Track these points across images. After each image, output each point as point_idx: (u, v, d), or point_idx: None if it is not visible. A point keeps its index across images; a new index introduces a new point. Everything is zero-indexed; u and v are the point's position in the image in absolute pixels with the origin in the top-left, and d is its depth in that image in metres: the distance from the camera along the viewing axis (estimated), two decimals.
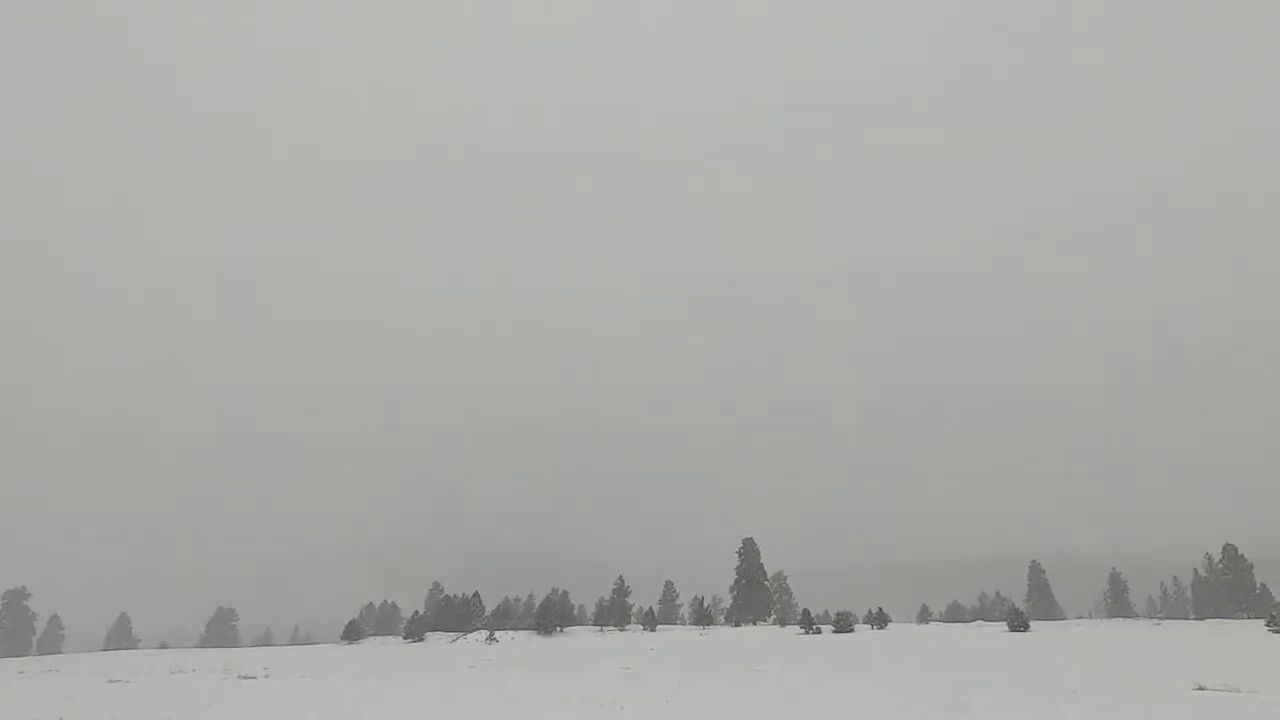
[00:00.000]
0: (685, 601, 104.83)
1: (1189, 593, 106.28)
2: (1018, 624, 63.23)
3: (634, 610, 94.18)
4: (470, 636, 72.82)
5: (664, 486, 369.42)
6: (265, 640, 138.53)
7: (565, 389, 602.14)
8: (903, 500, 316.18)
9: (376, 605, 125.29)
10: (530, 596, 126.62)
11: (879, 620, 72.68)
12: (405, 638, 77.58)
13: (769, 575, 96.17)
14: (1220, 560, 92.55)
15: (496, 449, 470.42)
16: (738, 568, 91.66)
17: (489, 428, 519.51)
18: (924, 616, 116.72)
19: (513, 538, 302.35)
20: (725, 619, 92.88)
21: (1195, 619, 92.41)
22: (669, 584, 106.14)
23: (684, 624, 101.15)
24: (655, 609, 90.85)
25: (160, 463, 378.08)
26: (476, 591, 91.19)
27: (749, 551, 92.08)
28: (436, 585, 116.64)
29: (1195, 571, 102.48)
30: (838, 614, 70.98)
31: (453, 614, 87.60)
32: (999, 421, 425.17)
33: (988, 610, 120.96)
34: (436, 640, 73.39)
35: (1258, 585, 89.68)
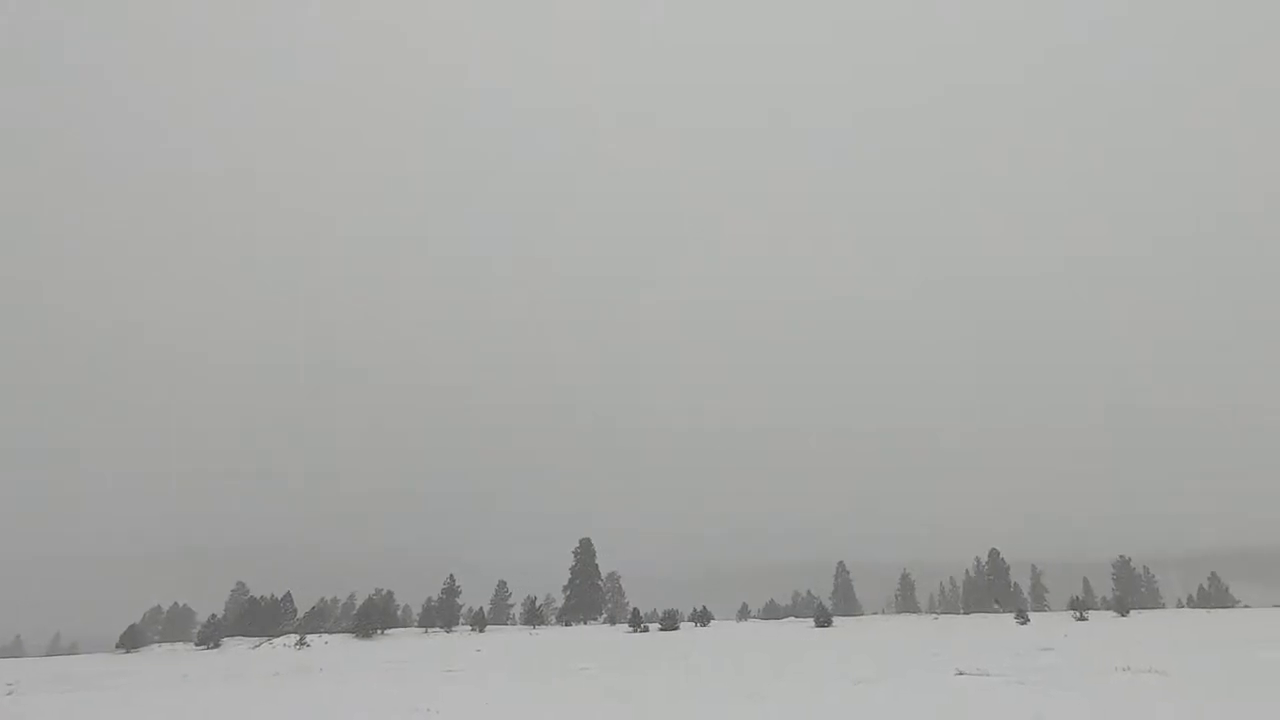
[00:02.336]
0: (518, 601, 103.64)
1: (961, 590, 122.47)
2: (823, 620, 69.20)
3: (463, 611, 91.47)
4: (277, 641, 66.70)
5: (504, 485, 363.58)
6: (15, 650, 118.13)
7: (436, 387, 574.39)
8: (729, 505, 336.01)
9: (165, 608, 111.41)
10: (351, 597, 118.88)
11: (702, 618, 76.29)
12: (199, 644, 69.46)
13: (603, 575, 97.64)
14: (986, 563, 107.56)
15: (325, 444, 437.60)
16: (573, 568, 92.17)
17: (323, 420, 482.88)
18: (743, 614, 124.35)
19: (335, 537, 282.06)
20: (557, 618, 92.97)
21: (964, 613, 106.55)
22: (502, 583, 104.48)
23: (515, 624, 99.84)
24: (485, 609, 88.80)
25: None
26: (288, 592, 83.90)
27: (585, 551, 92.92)
28: (240, 586, 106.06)
29: (966, 572, 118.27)
30: (665, 613, 73.51)
31: (259, 617, 79.89)
32: (826, 437, 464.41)
33: (799, 607, 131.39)
34: (236, 646, 66.48)
35: (1012, 584, 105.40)
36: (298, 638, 64.61)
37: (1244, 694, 18.34)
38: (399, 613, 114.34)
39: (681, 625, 74.46)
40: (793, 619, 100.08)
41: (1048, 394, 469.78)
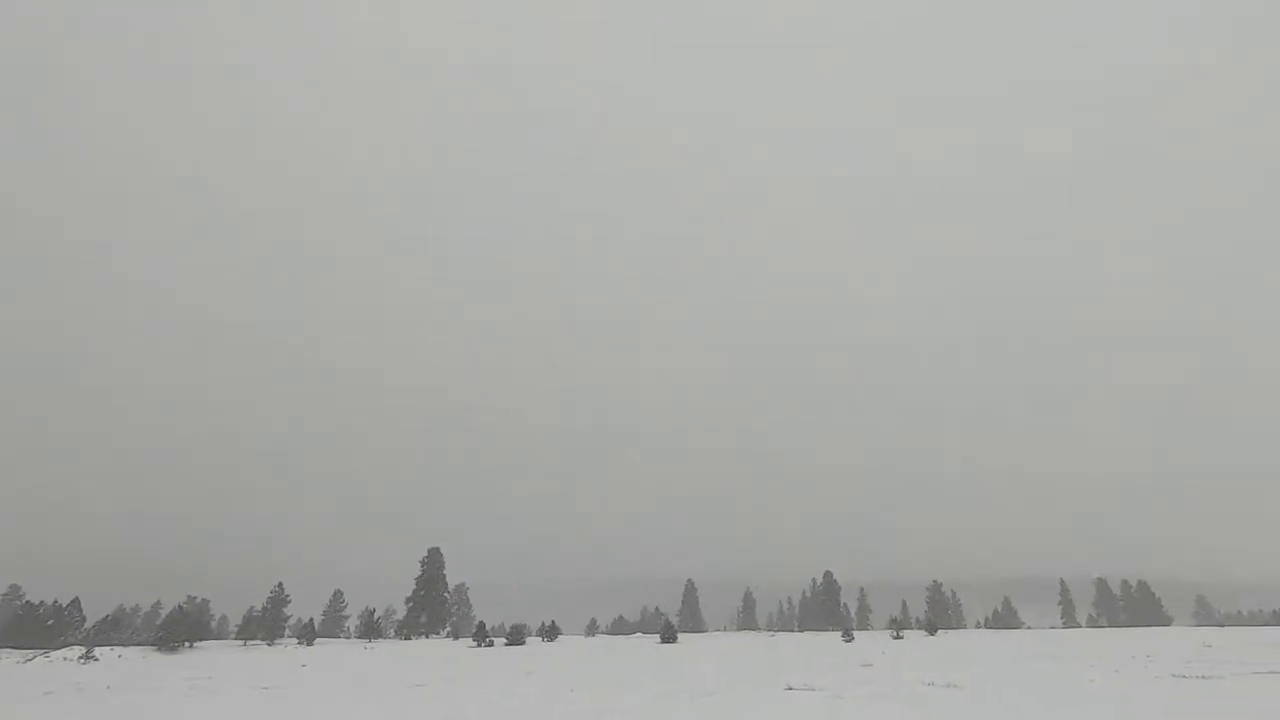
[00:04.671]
0: (355, 613, 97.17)
1: (797, 610, 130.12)
2: (668, 636, 70.57)
3: (291, 622, 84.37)
4: (56, 655, 57.80)
5: (351, 490, 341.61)
6: None
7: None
8: (583, 521, 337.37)
9: None
10: (156, 605, 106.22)
11: (550, 633, 75.31)
12: None
13: (451, 587, 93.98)
14: (821, 584, 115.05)
15: (140, 434, 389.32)
16: (419, 578, 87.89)
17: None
18: (592, 629, 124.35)
19: (139, 539, 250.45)
20: (396, 631, 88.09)
21: (799, 631, 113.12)
22: (338, 593, 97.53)
23: (349, 637, 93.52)
24: (317, 620, 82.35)
25: None
26: (76, 598, 73.29)
27: (433, 561, 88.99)
28: (13, 589, 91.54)
29: (804, 593, 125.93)
30: (512, 627, 71.83)
31: (35, 626, 69.02)
32: (663, 456, 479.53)
33: (647, 623, 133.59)
34: (2, 660, 56.81)
35: (842, 604, 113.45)
36: (83, 650, 56.38)
37: (1019, 701, 20.81)
38: (214, 624, 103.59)
39: (528, 640, 73.09)
40: (640, 634, 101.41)
41: (880, 433, 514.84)
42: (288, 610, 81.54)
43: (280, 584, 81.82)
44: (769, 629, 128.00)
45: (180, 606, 76.63)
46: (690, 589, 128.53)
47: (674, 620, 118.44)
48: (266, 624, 77.10)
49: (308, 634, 71.35)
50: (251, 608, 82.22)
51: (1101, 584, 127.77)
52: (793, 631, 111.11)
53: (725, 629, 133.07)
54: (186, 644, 64.50)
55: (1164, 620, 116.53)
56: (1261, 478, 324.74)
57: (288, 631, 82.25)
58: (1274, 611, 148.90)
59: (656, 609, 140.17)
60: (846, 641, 65.30)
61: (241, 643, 73.62)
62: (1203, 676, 26.71)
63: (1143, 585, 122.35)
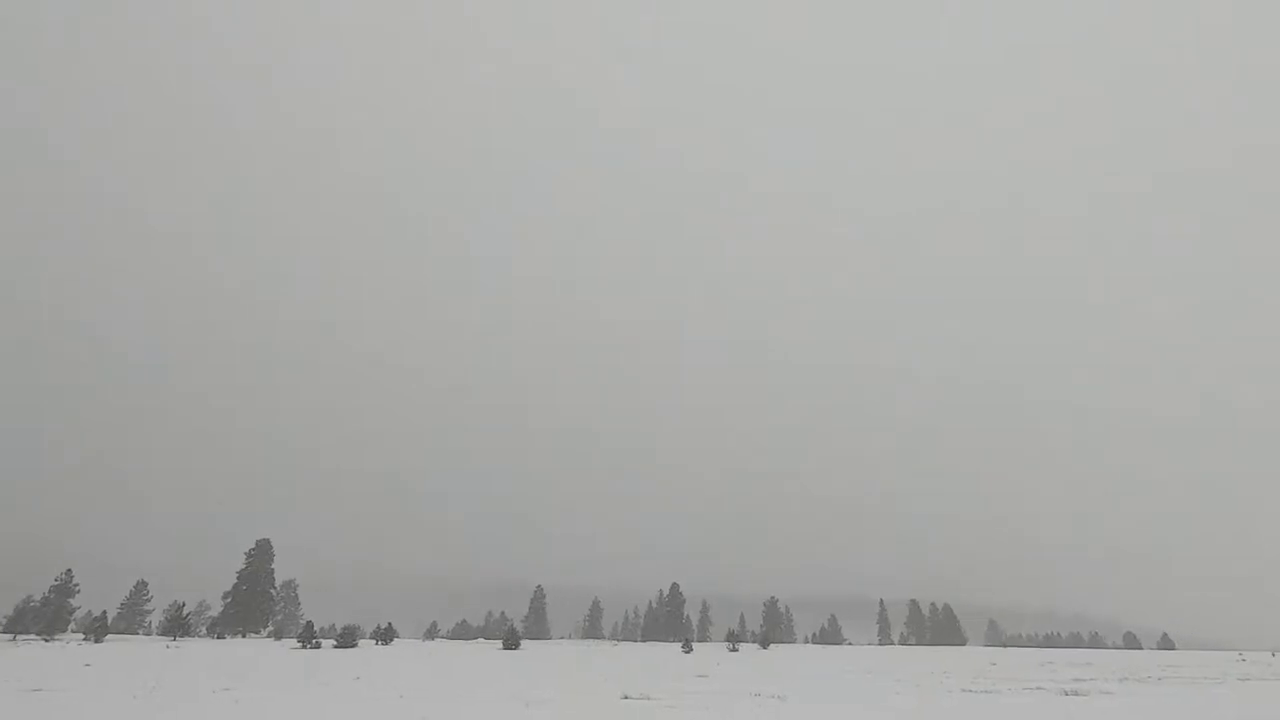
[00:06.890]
0: (161, 607, 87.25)
1: (643, 620, 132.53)
2: (511, 642, 69.39)
3: (79, 614, 74.19)
4: None
5: (165, 479, 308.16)
6: None
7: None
8: (430, 520, 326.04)
9: None
10: None
11: (385, 636, 71.56)
12: None
13: (278, 583, 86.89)
14: (668, 595, 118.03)
15: None
16: (241, 571, 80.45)
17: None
18: (431, 633, 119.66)
19: None
20: (209, 629, 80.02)
21: (642, 641, 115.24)
22: (141, 584, 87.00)
23: (150, 633, 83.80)
24: (110, 614, 72.94)
25: None
26: None
27: (261, 554, 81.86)
28: None
29: (650, 603, 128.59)
30: (344, 628, 67.50)
31: None
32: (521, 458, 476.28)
33: (492, 628, 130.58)
34: None
35: (685, 616, 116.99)
36: None
37: (833, 711, 22.44)
38: None
39: (361, 643, 68.96)
40: (482, 640, 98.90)
41: (738, 453, 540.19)
42: (75, 601, 71.57)
43: (69, 571, 71.74)
44: (613, 638, 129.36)
45: None
46: (539, 595, 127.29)
47: (520, 626, 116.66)
48: (46, 616, 67.15)
49: (97, 629, 62.88)
50: (29, 597, 71.40)
51: (914, 605, 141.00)
52: (636, 641, 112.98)
53: (570, 637, 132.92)
54: None
55: (961, 640, 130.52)
56: (1049, 524, 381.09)
57: (72, 626, 72.23)
58: (1046, 635, 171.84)
59: (503, 614, 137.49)
60: (686, 653, 67.35)
61: (10, 637, 63.56)
62: (985, 691, 30.19)
63: (947, 608, 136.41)
